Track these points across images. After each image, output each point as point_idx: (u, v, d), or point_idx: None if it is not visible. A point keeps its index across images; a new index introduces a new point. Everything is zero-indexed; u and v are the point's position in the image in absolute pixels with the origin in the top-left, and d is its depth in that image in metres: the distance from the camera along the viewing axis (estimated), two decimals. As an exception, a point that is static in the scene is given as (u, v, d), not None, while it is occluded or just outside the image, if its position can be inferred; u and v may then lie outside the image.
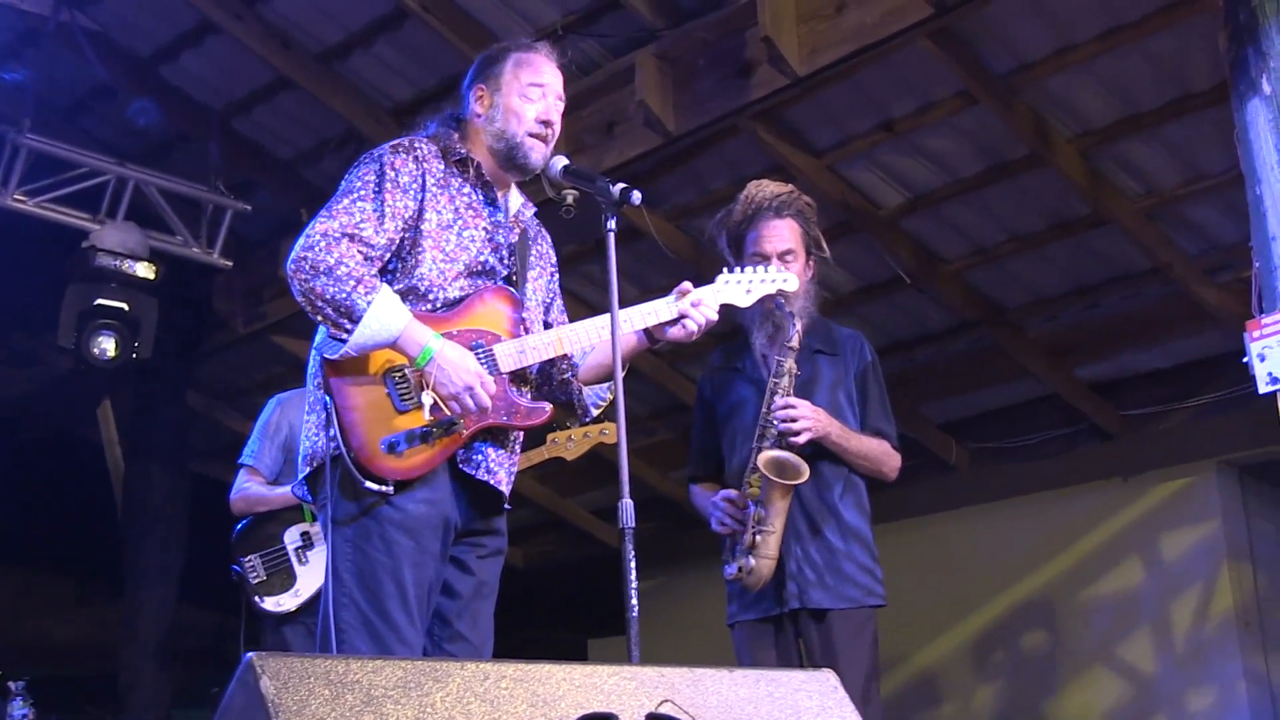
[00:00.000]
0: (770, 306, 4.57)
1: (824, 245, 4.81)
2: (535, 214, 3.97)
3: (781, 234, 4.69)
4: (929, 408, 8.65)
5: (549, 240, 4.03)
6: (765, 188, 4.79)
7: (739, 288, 4.04)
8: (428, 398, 3.52)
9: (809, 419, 4.52)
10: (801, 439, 4.52)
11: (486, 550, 3.73)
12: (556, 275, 4.03)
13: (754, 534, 4.50)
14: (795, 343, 4.59)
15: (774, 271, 4.13)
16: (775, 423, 4.53)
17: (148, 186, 8.43)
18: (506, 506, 3.75)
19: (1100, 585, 8.12)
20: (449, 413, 3.54)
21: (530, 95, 3.77)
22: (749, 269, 4.10)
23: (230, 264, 8.73)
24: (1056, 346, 7.92)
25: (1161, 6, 5.97)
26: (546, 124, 3.78)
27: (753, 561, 4.50)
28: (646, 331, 3.88)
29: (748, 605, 4.63)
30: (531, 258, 3.88)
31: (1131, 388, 8.12)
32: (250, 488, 5.88)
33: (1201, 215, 6.96)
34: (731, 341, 5.01)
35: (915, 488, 8.88)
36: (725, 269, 4.10)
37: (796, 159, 7.00)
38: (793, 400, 4.55)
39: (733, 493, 4.61)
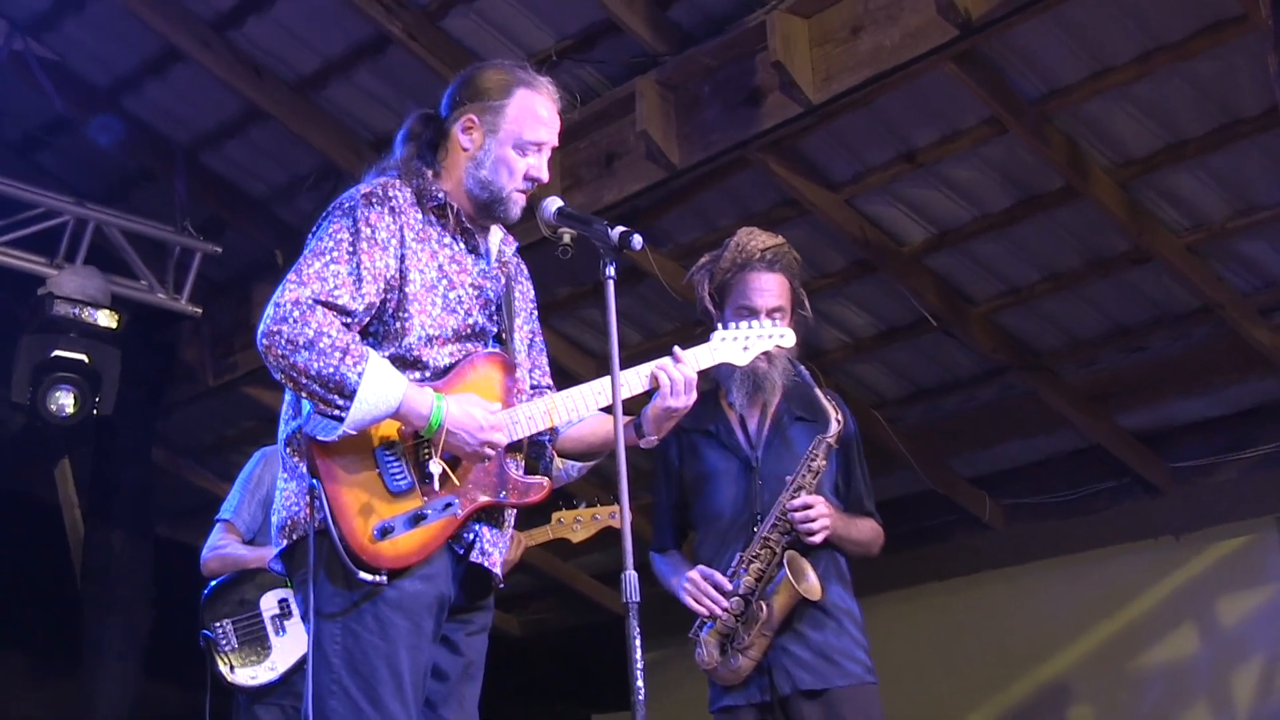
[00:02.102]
0: (761, 367, 4.66)
1: (807, 304, 4.91)
2: (517, 250, 3.98)
3: (772, 288, 4.77)
4: (959, 461, 8.65)
5: (527, 274, 4.04)
6: (757, 237, 4.86)
7: (735, 345, 4.09)
8: (436, 467, 3.51)
9: (826, 519, 4.60)
10: (818, 539, 4.60)
11: (474, 627, 3.73)
12: (535, 312, 4.04)
13: (756, 635, 4.56)
14: (834, 439, 4.68)
15: (769, 326, 4.18)
16: (793, 519, 4.59)
17: (109, 228, 8.46)
18: (500, 586, 3.75)
19: (1151, 654, 8.10)
20: (456, 484, 3.55)
21: (526, 151, 3.75)
22: (744, 324, 4.14)
23: (199, 311, 8.76)
24: (1097, 394, 7.93)
25: (1205, 26, 6.01)
26: (535, 181, 3.78)
27: (743, 661, 4.57)
28: (635, 425, 3.86)
29: (730, 691, 4.65)
30: (516, 301, 3.90)
31: (1180, 438, 8.12)
32: (226, 547, 5.85)
33: (1253, 249, 6.99)
34: (701, 398, 5.04)
35: (946, 548, 8.89)
36: (720, 325, 4.15)
37: (811, 193, 7.03)
38: (811, 499, 4.61)
39: (717, 575, 4.63)
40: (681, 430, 4.89)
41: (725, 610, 4.58)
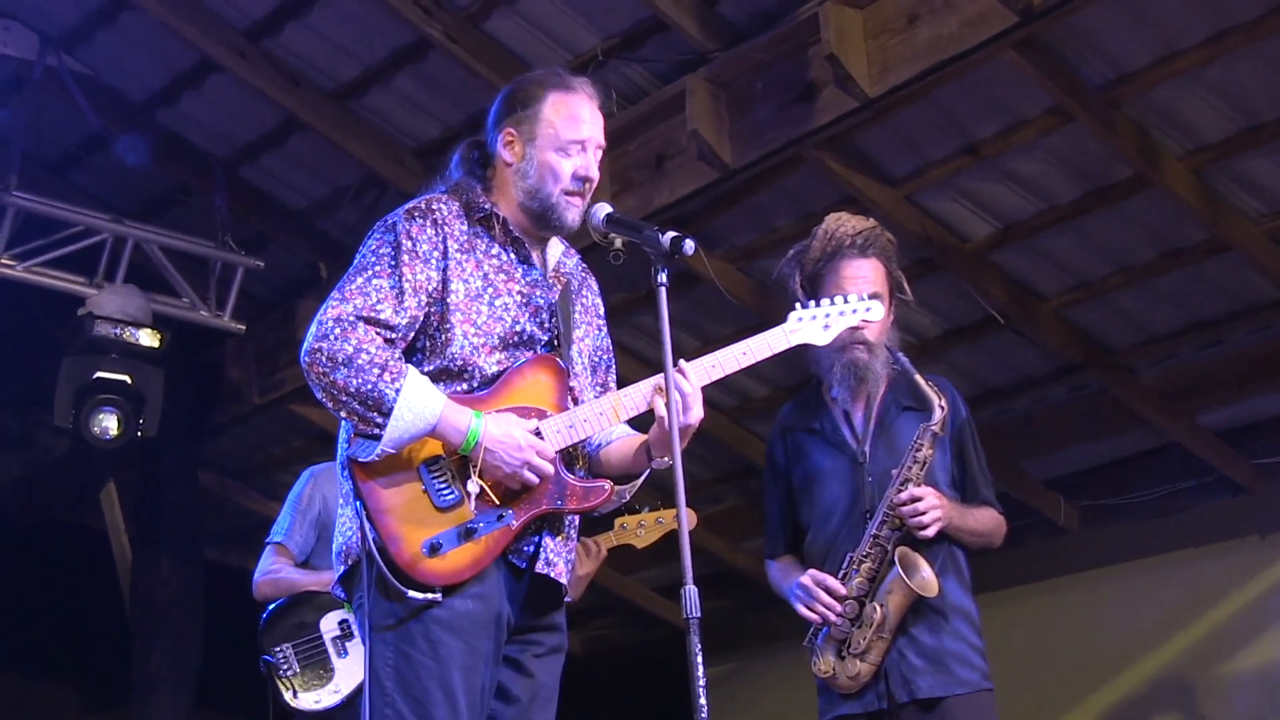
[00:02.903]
0: (861, 358, 4.62)
1: (906, 287, 4.84)
2: (580, 260, 4.00)
3: (866, 275, 4.70)
4: (1032, 463, 8.60)
5: (595, 289, 4.04)
6: (846, 222, 4.80)
7: (814, 324, 4.00)
8: (474, 486, 3.54)
9: (938, 510, 4.54)
10: (931, 532, 4.54)
11: (544, 648, 3.74)
12: (605, 330, 4.03)
13: (873, 638, 4.51)
14: (939, 426, 4.61)
15: (855, 300, 4.08)
16: (901, 514, 4.53)
17: (148, 245, 8.53)
18: (567, 599, 3.76)
19: (1241, 659, 8.01)
20: (497, 502, 3.56)
21: (569, 151, 3.77)
22: (824, 300, 4.05)
23: (243, 327, 8.81)
24: (1174, 390, 7.86)
25: (1278, 4, 5.94)
26: (585, 180, 3.79)
27: (859, 666, 4.51)
28: (646, 447, 3.80)
29: (846, 699, 4.60)
30: (576, 314, 3.90)
31: (1264, 434, 8.03)
32: (280, 571, 5.89)
33: (1337, 236, 6.92)
34: (804, 395, 5.00)
35: (1020, 553, 8.81)
36: (798, 304, 4.06)
37: (870, 190, 7.01)
38: (919, 491, 4.55)
39: (829, 579, 4.58)
40: (786, 429, 4.89)
41: (839, 615, 4.53)
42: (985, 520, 4.74)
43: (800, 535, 4.83)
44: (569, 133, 3.78)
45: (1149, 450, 8.35)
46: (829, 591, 4.56)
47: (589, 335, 3.95)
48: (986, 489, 4.80)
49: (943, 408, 4.60)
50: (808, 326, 3.99)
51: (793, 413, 4.95)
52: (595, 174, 3.82)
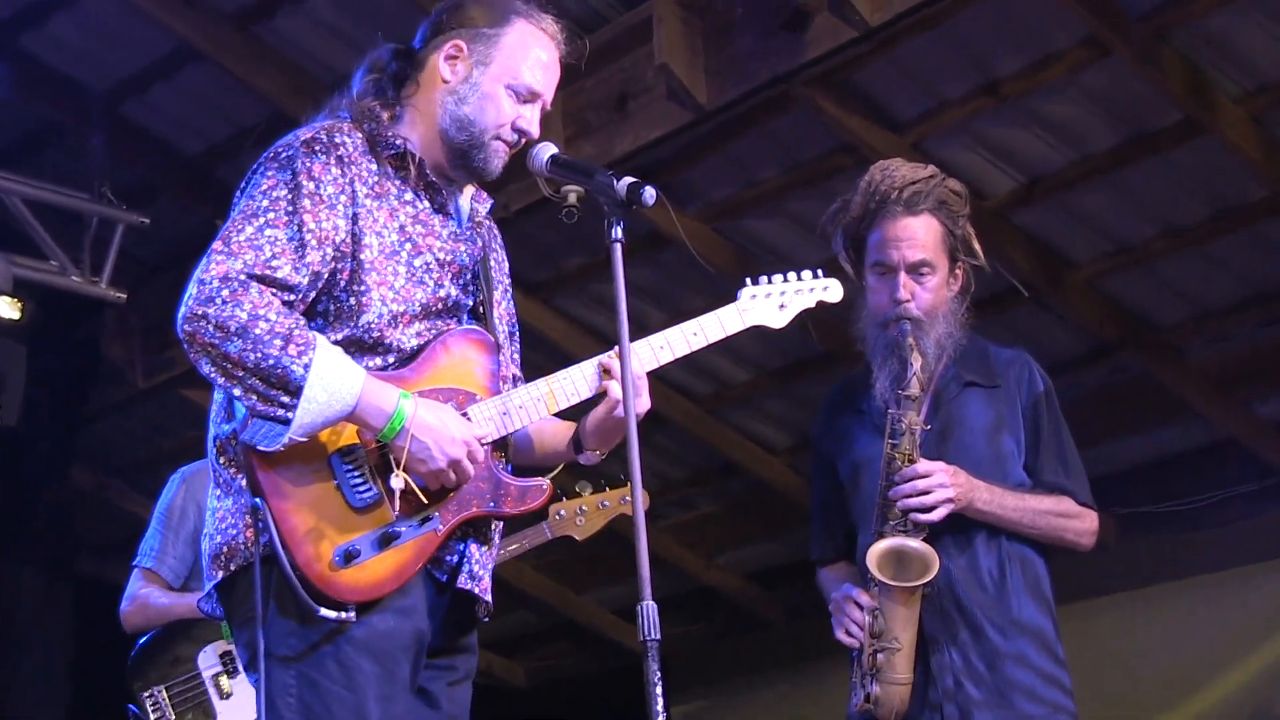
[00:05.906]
0: (894, 334, 4.54)
1: (976, 248, 4.71)
2: (490, 210, 3.97)
3: (913, 236, 4.59)
4: (1061, 462, 8.63)
5: (501, 242, 4.02)
6: (894, 173, 4.68)
7: (769, 303, 4.03)
8: (398, 481, 3.47)
9: (945, 487, 4.41)
10: (937, 515, 4.41)
11: (458, 675, 3.73)
12: (510, 290, 4.01)
13: (874, 652, 4.42)
14: (914, 390, 4.50)
15: (809, 278, 4.11)
16: (897, 501, 4.43)
17: (8, 196, 8.46)
18: (484, 618, 3.75)
19: (1310, 694, 8.10)
20: (425, 501, 3.52)
21: (521, 95, 3.76)
22: (778, 277, 4.07)
23: (124, 296, 8.76)
24: (1229, 376, 7.92)
25: (1352, -82, 6.01)
26: (523, 136, 3.78)
27: (877, 689, 4.41)
28: (575, 438, 3.84)
29: None
30: (492, 272, 3.88)
31: (1335, 428, 8.11)
32: (149, 596, 5.83)
33: None
34: (856, 372, 4.96)
35: (1048, 569, 8.87)
36: (749, 280, 4.07)
37: (871, 136, 7.04)
38: (921, 466, 4.44)
39: (857, 590, 4.50)
40: (832, 412, 4.84)
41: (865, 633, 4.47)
42: (1039, 506, 4.54)
43: (854, 536, 4.73)
44: (529, 75, 3.77)
45: (1199, 447, 8.41)
46: (859, 607, 4.49)
47: (504, 299, 3.94)
48: (1060, 475, 4.61)
49: (916, 374, 4.45)
50: (761, 305, 4.03)
51: (840, 392, 4.89)
52: (536, 132, 3.80)
